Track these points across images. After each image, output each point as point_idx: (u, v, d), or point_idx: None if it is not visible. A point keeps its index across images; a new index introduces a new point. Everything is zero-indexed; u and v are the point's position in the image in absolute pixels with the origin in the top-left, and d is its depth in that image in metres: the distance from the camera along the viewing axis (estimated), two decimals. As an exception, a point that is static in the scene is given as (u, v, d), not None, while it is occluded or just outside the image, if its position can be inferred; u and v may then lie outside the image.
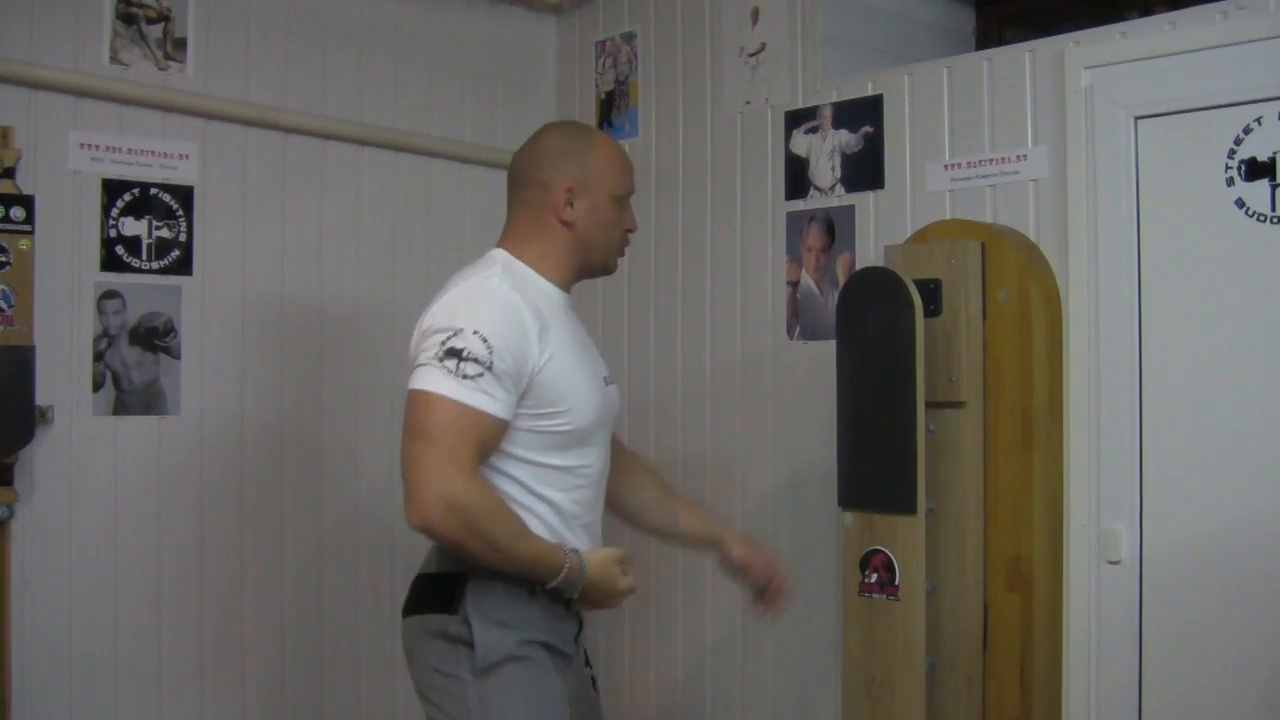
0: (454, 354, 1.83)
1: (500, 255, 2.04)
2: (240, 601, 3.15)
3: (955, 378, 2.56)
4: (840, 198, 3.07)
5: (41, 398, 2.79)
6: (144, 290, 3.00)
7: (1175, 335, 2.49)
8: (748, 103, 3.28)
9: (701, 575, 3.36)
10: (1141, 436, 2.52)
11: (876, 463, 2.55)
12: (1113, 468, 2.54)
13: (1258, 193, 2.37)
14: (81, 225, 2.92)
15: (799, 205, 3.16)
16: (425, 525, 1.81)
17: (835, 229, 3.07)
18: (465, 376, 1.82)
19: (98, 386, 2.94)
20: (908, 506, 2.50)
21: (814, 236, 3.12)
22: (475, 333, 1.85)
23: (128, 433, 2.98)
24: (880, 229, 2.97)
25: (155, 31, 3.03)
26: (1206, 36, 2.42)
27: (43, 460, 2.84)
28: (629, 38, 3.59)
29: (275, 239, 3.23)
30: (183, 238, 3.06)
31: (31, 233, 2.75)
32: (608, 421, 2.11)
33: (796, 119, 3.16)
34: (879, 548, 2.55)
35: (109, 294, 2.95)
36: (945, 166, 2.85)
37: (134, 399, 2.99)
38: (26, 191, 2.77)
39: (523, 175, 2.07)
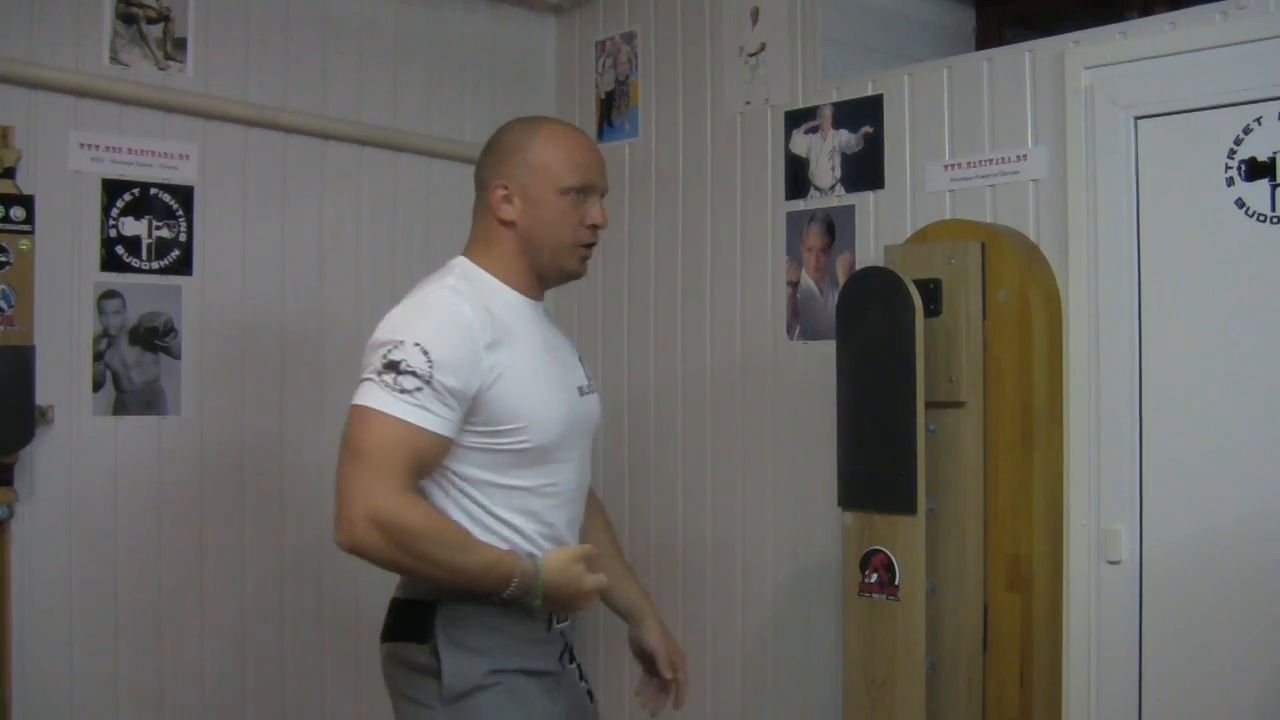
0: (392, 367, 1.77)
1: (459, 263, 1.97)
2: (240, 601, 3.15)
3: (955, 378, 2.56)
4: (840, 198, 3.07)
5: (41, 398, 2.79)
6: (144, 290, 3.00)
7: (1175, 335, 2.49)
8: (748, 103, 3.28)
9: (702, 578, 3.36)
10: (1141, 436, 2.52)
11: (876, 463, 2.55)
12: (1113, 468, 2.54)
13: (1258, 193, 2.37)
14: (81, 225, 2.92)
15: (799, 205, 3.16)
16: (351, 544, 1.75)
17: (835, 229, 3.07)
18: (403, 390, 1.76)
19: (98, 386, 2.94)
20: (908, 506, 2.50)
21: (814, 236, 3.12)
22: (416, 345, 1.78)
23: (128, 433, 2.98)
24: (880, 229, 2.97)
25: (155, 31, 3.03)
26: (1206, 36, 2.42)
27: (43, 460, 2.84)
28: (629, 38, 3.59)
29: (275, 239, 3.23)
30: (183, 238, 3.06)
31: (31, 233, 2.75)
32: (582, 435, 2.02)
33: (796, 119, 3.16)
34: (879, 548, 2.55)
35: (109, 294, 2.95)
36: (945, 166, 2.85)
37: (134, 399, 2.99)
38: (26, 191, 2.77)
39: (477, 176, 2.01)
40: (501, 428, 1.87)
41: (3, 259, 2.71)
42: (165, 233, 3.04)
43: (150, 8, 3.02)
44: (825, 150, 3.09)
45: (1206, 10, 2.46)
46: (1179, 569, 2.47)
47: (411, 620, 1.89)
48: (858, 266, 2.97)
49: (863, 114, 3.02)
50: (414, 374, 1.77)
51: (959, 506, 2.57)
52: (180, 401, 3.05)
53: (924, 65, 2.94)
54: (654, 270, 3.51)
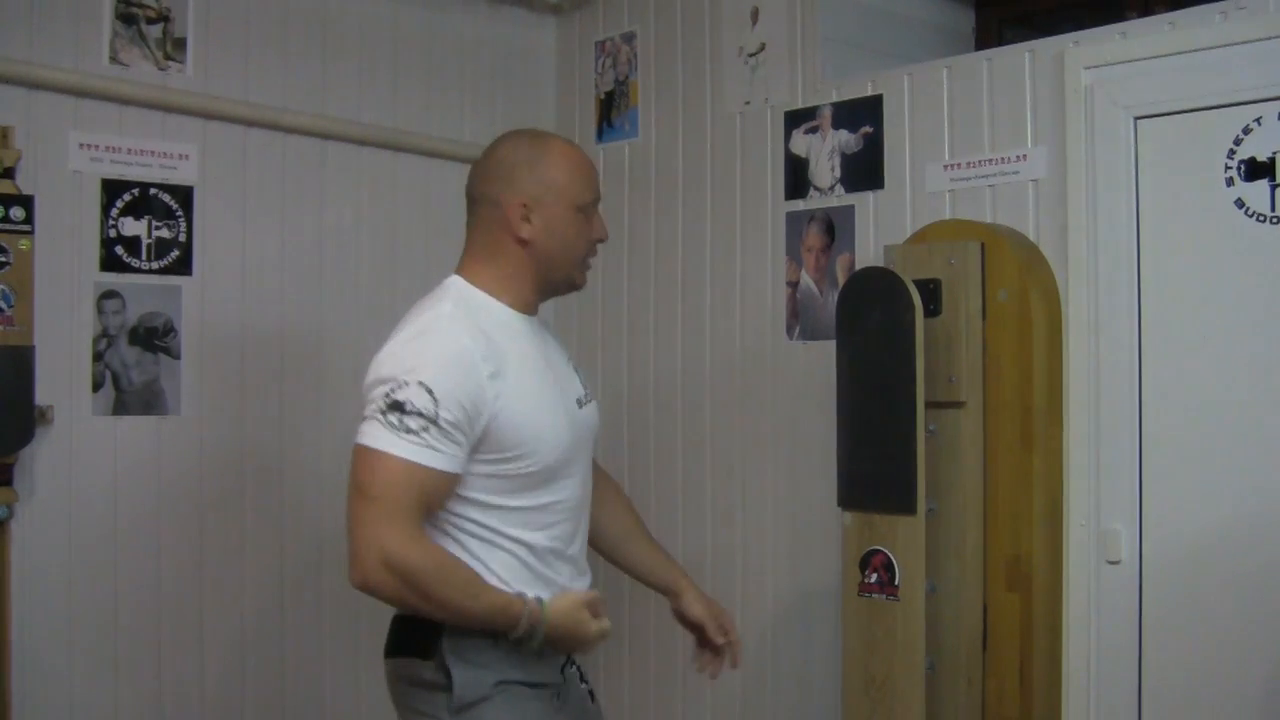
0: (397, 407, 1.75)
1: (454, 285, 1.94)
2: (240, 601, 3.15)
3: (955, 378, 2.56)
4: (840, 198, 3.07)
5: (41, 398, 2.79)
6: (144, 290, 3.00)
7: (1175, 335, 2.49)
8: (748, 103, 3.28)
9: (702, 579, 3.35)
10: (1141, 436, 2.52)
11: (876, 463, 2.55)
12: (1113, 468, 2.54)
13: (1258, 193, 2.37)
14: (81, 225, 2.92)
15: (799, 205, 3.16)
16: (364, 585, 1.75)
17: (835, 229, 3.07)
18: (409, 431, 1.74)
19: (97, 386, 2.94)
20: (907, 506, 2.50)
21: (814, 236, 3.12)
22: (420, 384, 1.76)
23: (127, 433, 2.98)
24: (880, 229, 2.97)
25: (155, 31, 3.03)
26: (1206, 36, 2.42)
27: (43, 460, 2.84)
28: (629, 38, 3.59)
29: (275, 239, 3.23)
30: (182, 238, 3.06)
31: (31, 233, 2.75)
32: (583, 447, 2.02)
33: (796, 119, 3.16)
34: (879, 548, 2.55)
35: (109, 294, 2.95)
36: (945, 166, 2.85)
37: (134, 399, 2.99)
38: (26, 191, 2.77)
39: (476, 192, 1.96)
40: (508, 454, 1.86)
41: (3, 259, 2.71)
42: (165, 233, 3.04)
43: (150, 8, 3.02)
44: (825, 150, 3.09)
45: (1206, 10, 2.46)
46: (1179, 569, 2.47)
47: (417, 637, 1.89)
48: (858, 266, 2.97)
49: (862, 114, 3.02)
50: (420, 414, 1.75)
51: (959, 506, 2.57)
52: (180, 401, 3.05)
53: (924, 65, 2.94)
54: (654, 270, 3.51)
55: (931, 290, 2.58)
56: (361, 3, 3.41)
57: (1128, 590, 2.52)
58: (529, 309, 1.99)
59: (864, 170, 3.01)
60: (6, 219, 2.72)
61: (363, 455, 1.77)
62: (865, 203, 3.01)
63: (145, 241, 3.01)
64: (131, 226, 2.99)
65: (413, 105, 3.49)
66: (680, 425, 3.44)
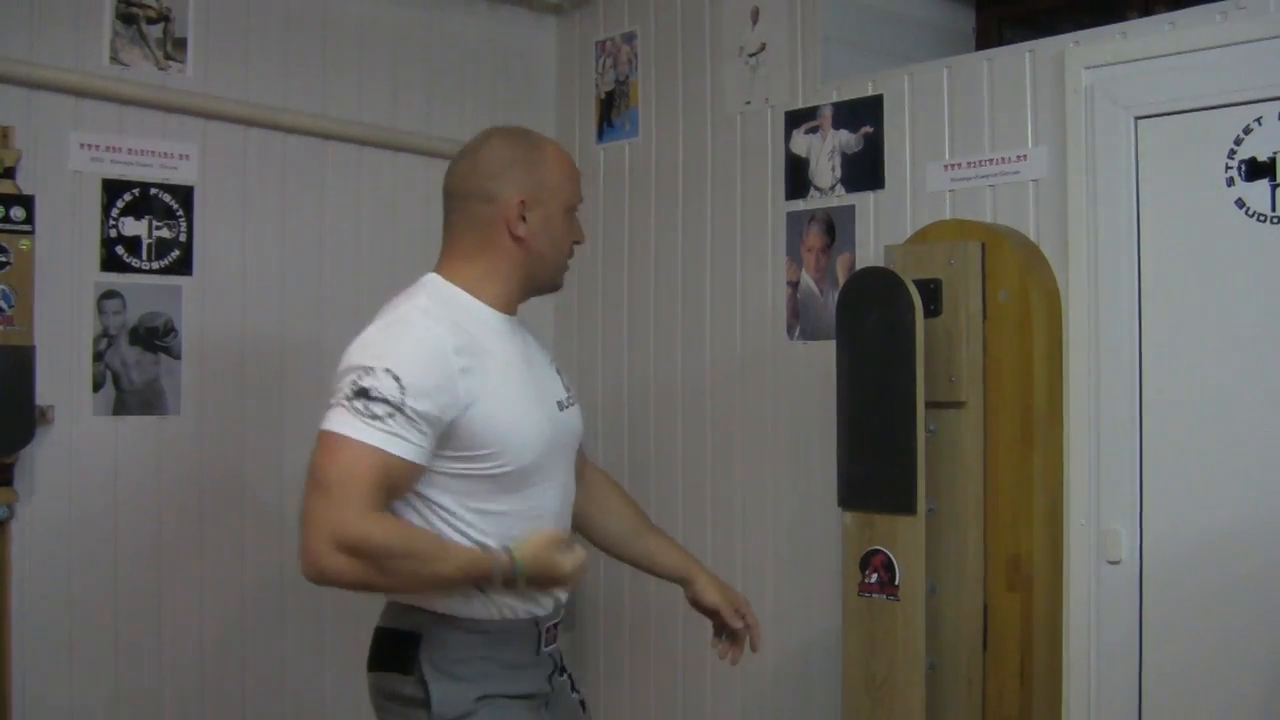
0: (363, 394, 1.72)
1: (431, 281, 1.92)
2: (240, 601, 3.15)
3: (955, 378, 2.56)
4: (840, 198, 3.07)
5: (41, 398, 2.79)
6: (144, 290, 3.00)
7: (1175, 335, 2.49)
8: (748, 103, 3.28)
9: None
10: (1141, 436, 2.52)
11: (876, 463, 2.55)
12: (1113, 468, 2.54)
13: (1258, 193, 2.37)
14: (81, 225, 2.92)
15: (799, 205, 3.16)
16: (318, 573, 1.68)
17: (835, 229, 3.07)
18: (374, 417, 1.71)
19: (98, 386, 2.94)
20: (908, 507, 2.50)
21: (814, 236, 3.12)
22: (387, 370, 1.73)
23: (128, 433, 2.98)
24: (880, 229, 2.97)
25: (155, 31, 3.03)
26: (1206, 36, 2.42)
27: (43, 460, 2.84)
28: (629, 38, 3.59)
29: (275, 239, 3.23)
30: (183, 238, 3.06)
31: (31, 233, 2.75)
32: (563, 451, 1.99)
33: (796, 119, 3.16)
34: (879, 548, 2.55)
35: (109, 294, 2.95)
36: (945, 166, 2.85)
37: (134, 399, 2.99)
38: (26, 191, 2.77)
39: (465, 188, 1.93)
40: (478, 453, 1.82)
41: (3, 259, 2.71)
42: (165, 233, 3.04)
43: (150, 8, 3.02)
44: (825, 150, 3.09)
45: (1206, 10, 2.46)
46: (1179, 569, 2.47)
47: (395, 651, 1.87)
48: (858, 266, 2.97)
49: (863, 114, 3.02)
50: (385, 400, 1.72)
51: (959, 506, 2.57)
52: (180, 401, 3.05)
53: (924, 65, 2.93)
54: (654, 270, 3.51)
55: (932, 290, 2.58)
56: (361, 3, 3.41)
57: (1128, 590, 2.52)
58: (509, 309, 1.97)
59: (864, 170, 3.01)
60: (7, 219, 2.72)
61: (323, 440, 1.73)
62: (865, 203, 3.01)
63: (145, 241, 3.01)
64: (132, 226, 2.99)
65: (413, 105, 3.50)
66: (680, 425, 3.44)
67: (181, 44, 3.07)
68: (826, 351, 2.84)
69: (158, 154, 3.02)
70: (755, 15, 3.25)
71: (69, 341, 2.89)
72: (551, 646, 1.98)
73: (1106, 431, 2.54)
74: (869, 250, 2.98)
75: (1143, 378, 2.52)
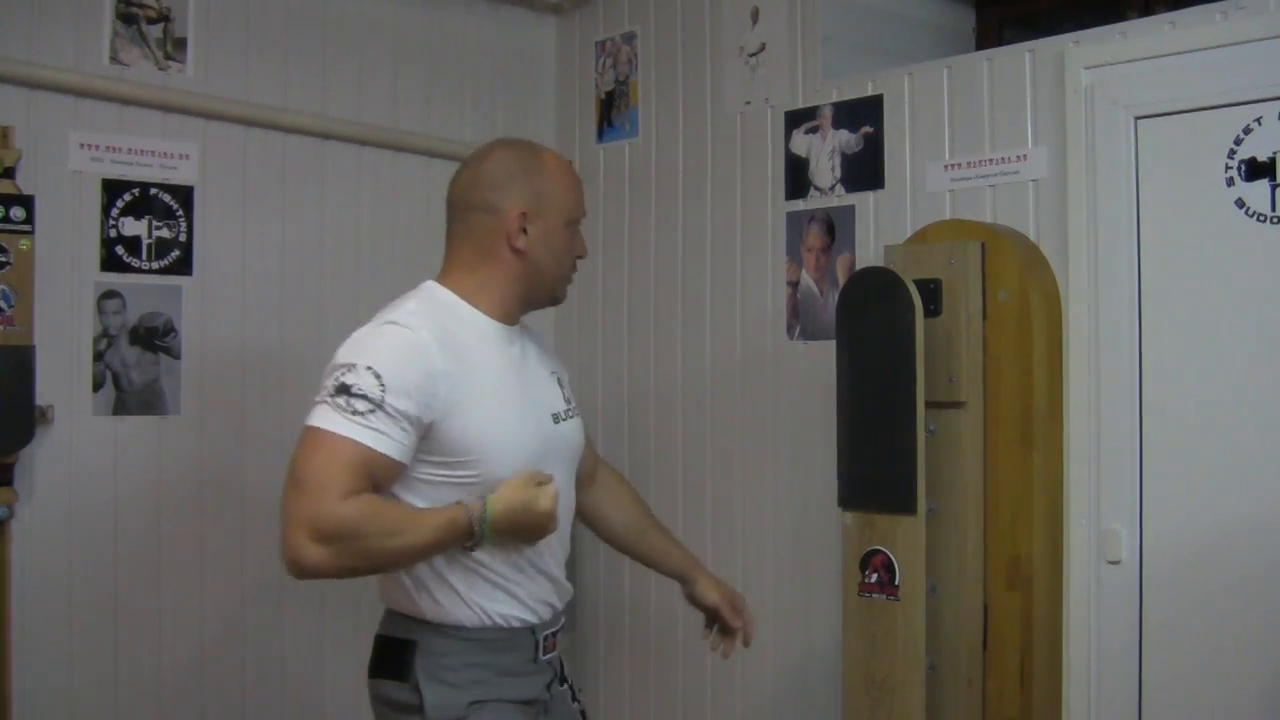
0: (344, 390, 1.74)
1: (427, 286, 1.93)
2: (240, 600, 3.15)
3: (955, 378, 2.56)
4: (840, 198, 3.07)
5: (41, 398, 2.79)
6: (144, 290, 3.00)
7: (1175, 335, 2.48)
8: (748, 103, 3.28)
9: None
10: (1141, 436, 2.52)
11: (876, 463, 2.55)
12: (1113, 468, 2.54)
13: (1258, 193, 2.37)
14: (81, 225, 2.92)
15: (799, 205, 3.16)
16: (298, 565, 1.70)
17: (835, 229, 3.07)
18: (355, 412, 1.73)
19: (98, 386, 2.94)
20: (908, 506, 2.50)
21: (814, 236, 3.12)
22: (369, 368, 1.75)
23: (128, 433, 2.98)
24: (880, 229, 2.97)
25: (155, 31, 3.03)
26: (1206, 36, 2.42)
27: (43, 460, 2.84)
28: (629, 38, 3.59)
29: (275, 239, 3.23)
30: (183, 238, 3.06)
31: (31, 233, 2.75)
32: (556, 463, 1.95)
33: (796, 119, 3.16)
34: (879, 548, 2.55)
35: (109, 294, 2.95)
36: (945, 166, 2.85)
37: (134, 399, 2.99)
38: (26, 191, 2.77)
39: (466, 199, 1.93)
40: (456, 458, 1.82)
41: (3, 259, 2.71)
42: (165, 233, 3.04)
43: (150, 8, 3.02)
44: (825, 150, 3.09)
45: (1206, 10, 2.46)
46: (1179, 569, 2.47)
47: (392, 658, 1.88)
48: (858, 266, 2.97)
49: (863, 114, 3.02)
50: (365, 397, 1.73)
51: (959, 506, 2.57)
52: (180, 401, 3.05)
53: (924, 65, 2.93)
54: (654, 270, 3.51)
55: (932, 290, 2.58)
56: (361, 3, 3.41)
57: (1128, 590, 2.52)
58: (508, 318, 1.96)
59: (864, 170, 3.01)
60: (7, 219, 2.72)
61: (305, 435, 1.75)
62: (865, 203, 3.01)
63: (145, 241, 3.01)
64: (132, 226, 2.99)
65: (413, 105, 3.50)
66: (680, 425, 3.44)
67: (181, 44, 3.07)
68: (826, 351, 2.84)
69: (158, 154, 3.03)
70: (755, 15, 3.25)
71: (69, 341, 2.89)
72: (550, 655, 1.98)
73: (1106, 431, 2.54)
74: (869, 250, 2.98)
75: (1143, 378, 2.52)
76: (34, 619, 2.81)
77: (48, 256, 2.81)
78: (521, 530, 1.83)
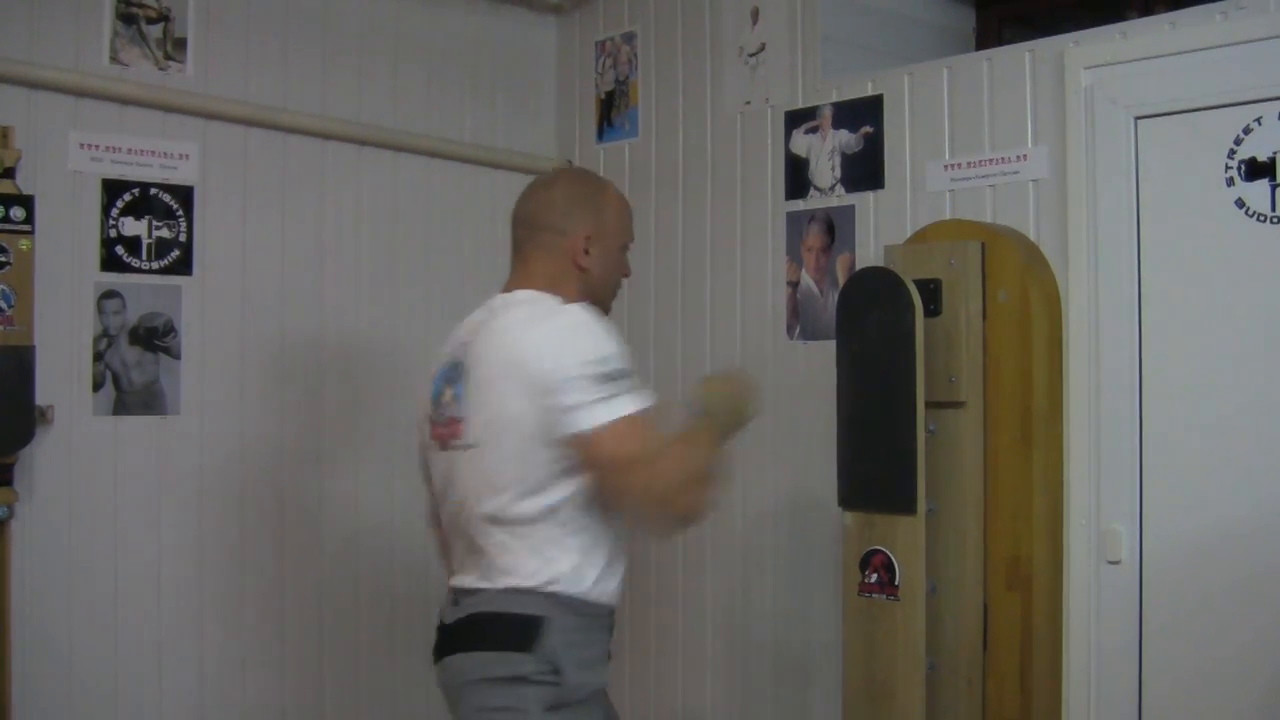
0: (608, 378, 1.91)
1: (529, 292, 2.09)
2: (240, 601, 3.15)
3: (955, 378, 2.56)
4: (840, 198, 3.07)
5: (41, 398, 2.79)
6: (144, 290, 3.00)
7: (1175, 335, 2.49)
8: (748, 103, 3.28)
9: (702, 578, 3.36)
10: (1141, 436, 2.52)
11: (876, 463, 2.55)
12: (1113, 468, 2.54)
13: (1258, 193, 2.37)
14: (81, 225, 2.92)
15: (799, 205, 3.16)
16: (702, 514, 1.96)
17: (835, 229, 3.07)
18: (628, 389, 1.92)
19: (98, 386, 2.94)
20: (908, 506, 2.50)
21: (814, 236, 3.12)
22: (604, 352, 1.93)
23: (128, 433, 2.98)
24: (880, 229, 2.97)
25: (155, 31, 3.03)
26: (1206, 36, 2.42)
27: (43, 460, 2.84)
28: (629, 38, 3.59)
29: (275, 239, 3.23)
30: (183, 238, 3.06)
31: (31, 233, 2.75)
32: None
33: (796, 119, 3.16)
34: (879, 548, 2.55)
35: (109, 294, 2.95)
36: (945, 166, 2.85)
37: (134, 399, 2.99)
38: (26, 191, 2.77)
39: (539, 220, 2.13)
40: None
41: (3, 259, 2.71)
42: (165, 233, 3.04)
43: (150, 8, 3.02)
44: (825, 150, 3.09)
45: (1206, 10, 2.46)
46: (1179, 569, 2.47)
47: (514, 630, 1.96)
48: (858, 266, 2.97)
49: (863, 114, 3.02)
50: (622, 371, 1.94)
51: (959, 506, 2.57)
52: (180, 401, 3.05)
53: (924, 65, 2.93)
54: (654, 270, 3.51)
55: (932, 290, 2.58)
56: (361, 3, 3.41)
57: (1128, 590, 2.52)
58: None
59: (864, 170, 3.01)
60: (6, 219, 2.72)
61: (616, 429, 1.89)
62: (865, 203, 3.01)
63: (145, 241, 3.01)
64: (132, 226, 2.99)
65: (413, 105, 3.49)
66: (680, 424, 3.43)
67: (181, 44, 3.07)
68: (826, 351, 2.84)
69: (157, 154, 3.02)
70: (755, 15, 3.25)
71: (69, 341, 2.89)
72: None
73: (1106, 432, 2.54)
74: (869, 250, 2.98)
75: (1143, 378, 2.52)
76: (34, 619, 2.81)
77: (48, 256, 2.81)
78: (736, 421, 2.18)
